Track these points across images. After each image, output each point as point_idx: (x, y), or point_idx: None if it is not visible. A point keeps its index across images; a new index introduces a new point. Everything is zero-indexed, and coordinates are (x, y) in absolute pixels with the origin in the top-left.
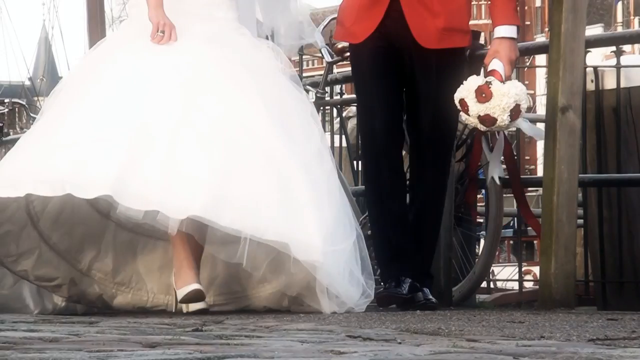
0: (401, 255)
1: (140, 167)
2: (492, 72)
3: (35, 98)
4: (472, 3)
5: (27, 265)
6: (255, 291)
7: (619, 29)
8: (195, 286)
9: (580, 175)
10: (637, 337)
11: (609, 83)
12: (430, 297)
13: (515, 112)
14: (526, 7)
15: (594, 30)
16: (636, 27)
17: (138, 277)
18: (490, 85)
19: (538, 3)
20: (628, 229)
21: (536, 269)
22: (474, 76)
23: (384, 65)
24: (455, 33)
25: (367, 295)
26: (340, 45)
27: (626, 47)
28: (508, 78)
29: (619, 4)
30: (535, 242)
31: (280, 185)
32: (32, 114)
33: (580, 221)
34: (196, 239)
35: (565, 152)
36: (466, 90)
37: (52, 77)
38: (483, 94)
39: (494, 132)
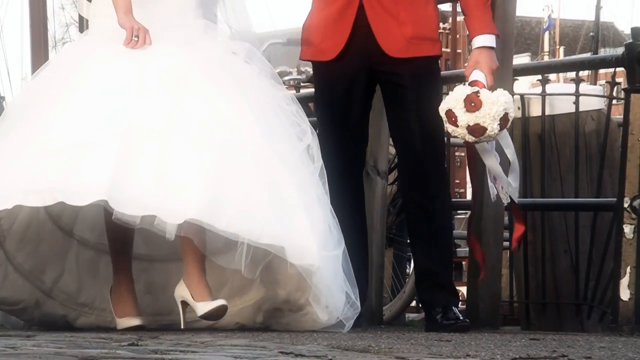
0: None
1: (133, 171)
2: (474, 83)
3: None
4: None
5: None
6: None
7: (546, 58)
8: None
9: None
10: (558, 356)
11: (535, 110)
12: (459, 315)
13: (504, 121)
14: (458, 35)
15: (522, 59)
16: (561, 57)
17: (101, 298)
18: (478, 94)
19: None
20: (550, 251)
21: (464, 289)
22: (461, 86)
23: (356, 86)
24: (423, 42)
25: (355, 308)
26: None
27: (551, 76)
28: (490, 88)
29: (546, 34)
30: (463, 262)
31: (270, 187)
32: None
33: (506, 244)
34: (195, 243)
35: None
36: (454, 100)
37: None
38: (472, 103)
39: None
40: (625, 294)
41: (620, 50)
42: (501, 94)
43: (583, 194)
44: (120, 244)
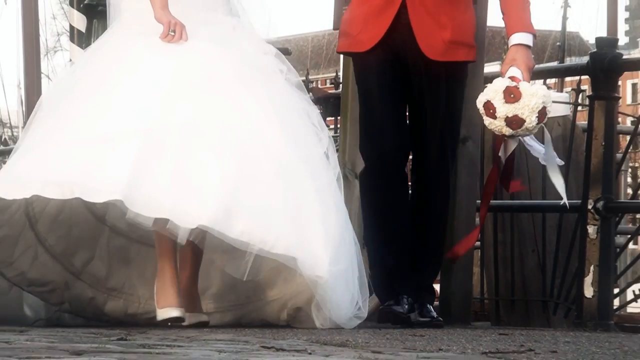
0: (399, 274)
1: (151, 172)
2: (512, 79)
3: None
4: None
5: (22, 268)
6: (255, 298)
7: None
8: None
9: (477, 201)
10: (525, 350)
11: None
12: (434, 314)
13: (541, 114)
14: None
15: (493, 67)
16: None
17: (130, 283)
18: (518, 87)
19: None
20: (519, 251)
21: (437, 287)
22: (499, 78)
23: (391, 79)
24: (461, 46)
25: (360, 316)
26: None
27: None
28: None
29: None
30: None
31: (288, 196)
32: None
33: (478, 244)
34: (196, 242)
35: (464, 181)
36: (493, 91)
37: None
38: (512, 95)
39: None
40: (589, 291)
41: (585, 59)
42: (540, 87)
43: (550, 197)
44: (164, 239)
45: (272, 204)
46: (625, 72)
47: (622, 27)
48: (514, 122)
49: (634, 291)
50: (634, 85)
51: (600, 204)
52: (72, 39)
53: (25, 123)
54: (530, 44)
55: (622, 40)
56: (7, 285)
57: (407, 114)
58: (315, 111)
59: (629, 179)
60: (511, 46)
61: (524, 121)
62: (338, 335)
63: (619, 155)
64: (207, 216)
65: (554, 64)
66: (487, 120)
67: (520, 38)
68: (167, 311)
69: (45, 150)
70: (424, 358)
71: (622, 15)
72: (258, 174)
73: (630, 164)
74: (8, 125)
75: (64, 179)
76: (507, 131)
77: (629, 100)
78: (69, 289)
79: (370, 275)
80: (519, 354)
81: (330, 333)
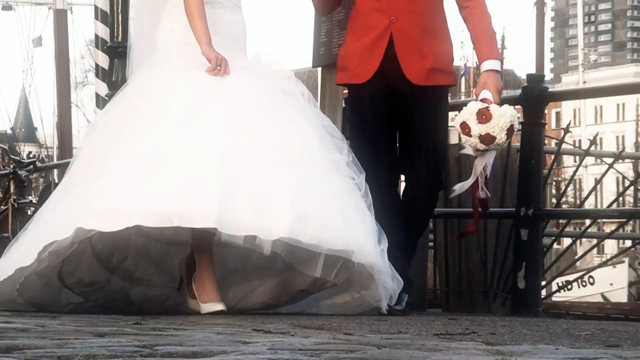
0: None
1: (234, 197)
2: (484, 100)
3: (15, 143)
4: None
5: (80, 276)
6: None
7: (462, 98)
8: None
9: None
10: (470, 332)
11: (453, 139)
12: (401, 306)
13: (510, 131)
14: None
15: None
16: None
17: (150, 274)
18: (488, 109)
19: None
20: (465, 250)
21: None
22: (473, 101)
23: (384, 109)
24: (440, 73)
25: (399, 283)
26: None
27: None
28: (498, 104)
29: (462, 79)
30: None
31: (335, 197)
32: (12, 156)
33: (431, 244)
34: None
35: None
36: (467, 113)
37: (27, 127)
38: (484, 116)
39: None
40: (521, 283)
41: (518, 92)
42: (508, 108)
43: (490, 205)
44: (205, 243)
45: (326, 206)
46: (550, 103)
47: (548, 65)
48: (487, 139)
49: (557, 283)
50: (557, 113)
51: (530, 212)
52: (97, 75)
53: (59, 144)
54: (499, 68)
55: (548, 76)
56: (57, 287)
57: (398, 136)
58: (333, 126)
59: (554, 191)
60: (483, 72)
61: (495, 138)
62: (316, 320)
63: (545, 171)
64: (285, 228)
65: None
66: (464, 138)
67: (490, 64)
68: (210, 306)
69: (137, 183)
70: (387, 339)
71: (548, 55)
72: (311, 181)
73: (555, 178)
74: (44, 146)
75: (160, 210)
76: (481, 146)
77: (553, 125)
78: (109, 284)
79: None
80: (464, 335)
81: (309, 318)
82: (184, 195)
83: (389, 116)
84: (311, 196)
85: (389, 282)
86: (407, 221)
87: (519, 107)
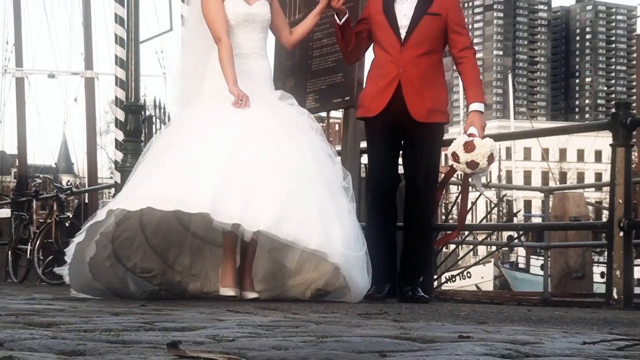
0: (387, 270)
1: (228, 192)
2: (470, 135)
3: (57, 174)
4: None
5: (135, 260)
6: (288, 282)
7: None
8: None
9: None
10: (383, 312)
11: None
12: (421, 293)
13: (490, 158)
14: (330, 130)
15: None
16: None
17: (205, 271)
18: (473, 141)
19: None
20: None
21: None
22: (461, 135)
23: (391, 138)
24: (437, 112)
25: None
26: None
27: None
28: (481, 138)
29: None
30: None
31: (319, 206)
32: (55, 184)
33: None
34: (252, 246)
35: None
36: (456, 145)
37: (66, 162)
38: (469, 147)
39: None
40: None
41: None
42: (488, 140)
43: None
44: (230, 239)
45: (308, 212)
46: None
47: None
48: (472, 165)
49: (445, 277)
50: None
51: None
52: (116, 125)
53: (88, 175)
54: (483, 110)
55: None
56: (121, 270)
57: (401, 159)
58: (335, 154)
59: (443, 210)
60: (469, 112)
61: (479, 164)
62: (273, 304)
63: None
64: (264, 223)
65: None
66: (454, 164)
67: (476, 106)
68: (226, 290)
69: (159, 177)
70: (323, 317)
71: None
72: (298, 192)
73: (443, 201)
74: (78, 176)
75: (171, 197)
76: (468, 171)
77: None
78: (165, 275)
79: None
80: (379, 315)
81: (268, 303)
82: (188, 189)
83: (395, 144)
84: (295, 203)
85: (358, 283)
86: (408, 218)
87: None
